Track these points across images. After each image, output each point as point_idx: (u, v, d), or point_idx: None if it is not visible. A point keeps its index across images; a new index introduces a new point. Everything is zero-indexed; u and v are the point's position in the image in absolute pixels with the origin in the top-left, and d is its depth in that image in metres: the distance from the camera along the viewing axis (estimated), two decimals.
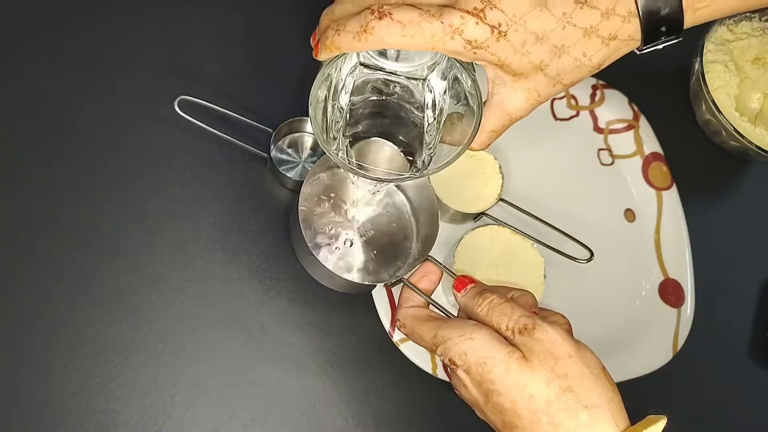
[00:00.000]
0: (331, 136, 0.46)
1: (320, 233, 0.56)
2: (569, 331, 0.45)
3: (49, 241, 0.57)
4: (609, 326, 0.63)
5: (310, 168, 0.60)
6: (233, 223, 0.60)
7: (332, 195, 0.57)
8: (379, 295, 0.58)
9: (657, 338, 0.62)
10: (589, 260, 0.60)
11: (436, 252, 0.62)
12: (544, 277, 0.58)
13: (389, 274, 0.56)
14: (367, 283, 0.55)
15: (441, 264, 0.52)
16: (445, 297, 0.61)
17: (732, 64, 0.68)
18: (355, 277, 0.56)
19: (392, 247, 0.57)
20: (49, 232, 0.57)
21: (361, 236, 0.57)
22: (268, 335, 0.58)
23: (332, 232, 0.56)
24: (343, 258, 0.57)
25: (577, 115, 0.69)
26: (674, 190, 0.67)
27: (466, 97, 0.46)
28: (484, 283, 0.48)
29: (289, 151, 0.61)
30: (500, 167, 0.61)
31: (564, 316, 0.47)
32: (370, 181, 0.49)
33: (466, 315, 0.46)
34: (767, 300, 0.68)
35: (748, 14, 0.68)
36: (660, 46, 0.45)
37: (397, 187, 0.56)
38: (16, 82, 0.60)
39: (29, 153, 0.59)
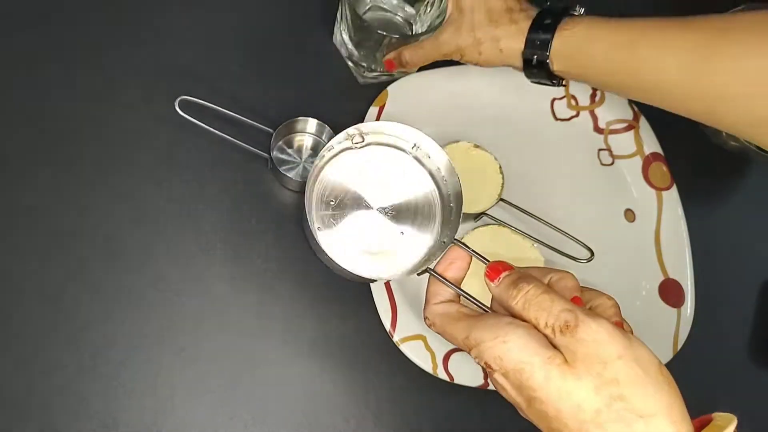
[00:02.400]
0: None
1: (334, 219, 0.50)
2: (617, 314, 0.40)
3: (49, 241, 0.57)
4: None
5: (309, 168, 0.60)
6: (234, 223, 0.60)
7: (341, 184, 0.50)
8: (380, 295, 0.58)
9: (657, 338, 0.62)
10: (589, 260, 0.61)
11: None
12: None
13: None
14: (386, 276, 0.49)
15: (469, 248, 0.46)
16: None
17: None
18: (378, 268, 0.49)
19: (417, 230, 0.50)
20: (49, 232, 0.57)
21: (382, 220, 0.50)
22: (268, 335, 0.58)
23: (347, 217, 0.49)
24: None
25: (577, 115, 0.69)
26: (674, 190, 0.67)
27: None
28: (520, 270, 0.42)
29: (290, 151, 0.61)
30: (500, 167, 0.61)
31: (611, 298, 0.41)
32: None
33: (502, 307, 0.41)
34: (767, 300, 0.68)
35: None
36: (547, 83, 0.57)
37: (419, 161, 0.51)
38: (17, 82, 0.61)
39: (29, 153, 0.59)
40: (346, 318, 0.59)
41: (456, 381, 0.58)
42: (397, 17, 0.66)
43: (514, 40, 0.56)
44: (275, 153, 0.60)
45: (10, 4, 0.62)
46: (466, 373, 0.58)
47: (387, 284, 0.59)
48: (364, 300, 0.59)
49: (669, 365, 0.61)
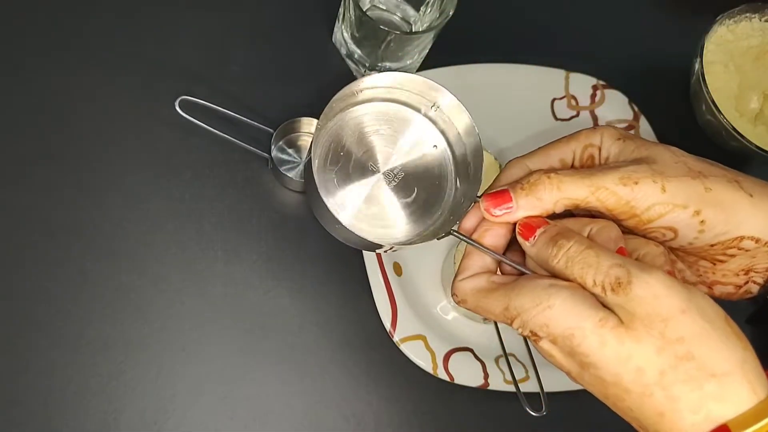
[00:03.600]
0: None
1: (341, 185, 0.45)
2: (668, 261, 0.37)
3: (49, 241, 0.57)
4: None
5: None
6: (234, 223, 0.60)
7: (347, 142, 0.46)
8: (380, 294, 0.58)
9: None
10: None
11: (434, 253, 0.62)
12: None
13: (428, 225, 0.45)
14: (396, 241, 0.44)
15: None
16: (445, 297, 0.61)
17: (732, 64, 0.68)
18: (391, 234, 0.44)
19: (429, 192, 0.46)
20: (50, 232, 0.57)
21: (389, 183, 0.45)
22: (268, 335, 0.58)
23: (353, 181, 0.45)
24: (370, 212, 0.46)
25: (577, 115, 0.69)
26: None
27: None
28: (555, 224, 0.38)
29: (290, 151, 0.61)
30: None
31: (658, 245, 0.37)
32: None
33: (541, 267, 0.37)
34: (766, 300, 0.68)
35: (748, 14, 0.68)
36: None
37: (432, 121, 0.47)
38: (17, 83, 0.61)
39: (30, 153, 0.59)
40: (346, 318, 0.59)
41: (456, 381, 0.58)
42: (395, 17, 0.66)
43: None
44: (275, 153, 0.60)
45: (10, 4, 0.62)
46: (466, 373, 0.58)
47: (387, 284, 0.59)
48: (364, 300, 0.59)
49: None
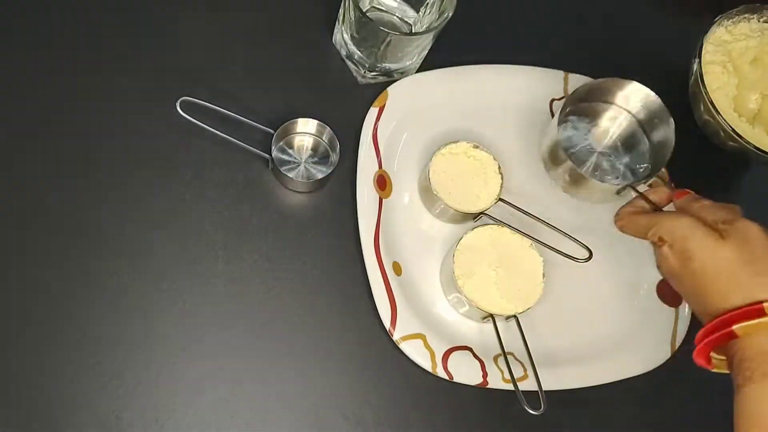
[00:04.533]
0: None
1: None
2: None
3: (51, 241, 0.57)
4: (607, 325, 0.63)
5: (310, 168, 0.61)
6: (235, 223, 0.60)
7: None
8: (379, 294, 0.59)
9: (655, 337, 0.62)
10: (587, 259, 0.61)
11: (434, 252, 0.63)
12: (543, 276, 0.59)
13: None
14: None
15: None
16: (444, 296, 0.61)
17: (730, 65, 0.68)
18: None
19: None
20: (52, 232, 0.58)
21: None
22: (269, 334, 0.58)
23: None
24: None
25: None
26: None
27: None
28: (698, 195, 0.56)
29: (291, 151, 0.61)
30: (500, 167, 0.61)
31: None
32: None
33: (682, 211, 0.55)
34: None
35: (746, 15, 0.68)
36: None
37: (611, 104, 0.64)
38: (18, 83, 0.61)
39: (32, 153, 0.59)
40: (346, 316, 0.60)
41: (455, 379, 0.58)
42: (395, 18, 0.66)
43: None
44: (276, 153, 0.60)
45: (11, 4, 0.63)
46: (465, 372, 0.58)
47: (386, 283, 0.59)
48: (364, 299, 0.59)
49: (667, 364, 0.62)
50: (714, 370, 0.52)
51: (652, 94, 0.62)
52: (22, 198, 0.58)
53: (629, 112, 0.65)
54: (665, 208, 0.58)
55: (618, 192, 0.61)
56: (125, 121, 0.61)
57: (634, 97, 0.63)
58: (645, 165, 0.64)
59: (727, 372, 0.49)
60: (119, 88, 0.62)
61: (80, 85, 0.62)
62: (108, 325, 0.56)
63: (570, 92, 0.62)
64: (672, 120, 0.61)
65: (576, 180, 0.61)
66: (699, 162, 0.71)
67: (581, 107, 0.64)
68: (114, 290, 0.57)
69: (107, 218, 0.59)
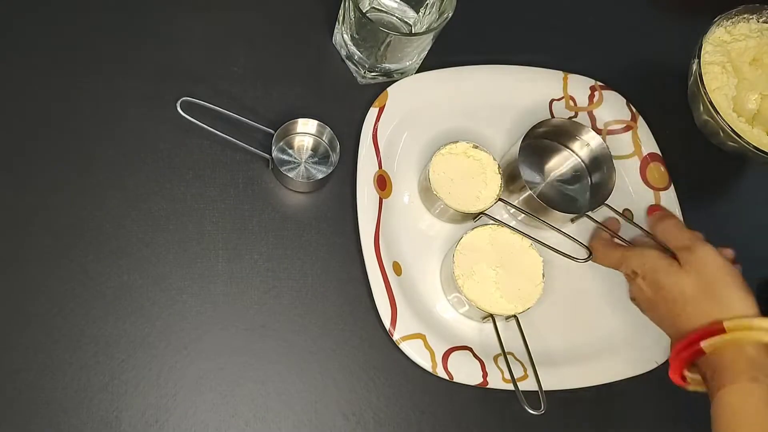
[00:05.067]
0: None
1: None
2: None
3: (52, 241, 0.57)
4: (606, 325, 0.63)
5: (310, 168, 0.61)
6: (235, 223, 0.60)
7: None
8: (380, 294, 0.59)
9: (654, 338, 0.62)
10: (587, 260, 0.61)
11: (434, 252, 0.63)
12: (543, 276, 0.59)
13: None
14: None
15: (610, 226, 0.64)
16: (444, 296, 0.61)
17: (729, 65, 0.68)
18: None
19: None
20: (53, 232, 0.58)
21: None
22: (269, 333, 0.58)
23: None
24: None
25: (575, 116, 0.69)
26: (672, 190, 0.68)
27: None
28: (668, 210, 0.66)
29: (291, 151, 0.61)
30: (500, 167, 0.61)
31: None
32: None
33: (650, 230, 0.63)
34: (764, 299, 0.68)
35: (745, 16, 0.68)
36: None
37: (571, 150, 0.67)
38: (20, 84, 0.61)
39: (33, 153, 0.59)
40: (346, 316, 0.60)
41: (455, 379, 0.58)
42: (395, 18, 0.66)
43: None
44: (276, 153, 0.61)
45: (11, 4, 0.63)
46: (465, 372, 0.58)
47: (386, 283, 0.59)
48: (364, 299, 0.59)
49: (665, 365, 0.62)
50: (690, 389, 0.56)
51: (602, 141, 0.64)
52: (22, 198, 0.58)
53: (577, 155, 0.67)
54: (620, 231, 0.65)
55: (572, 220, 0.64)
56: (125, 122, 0.61)
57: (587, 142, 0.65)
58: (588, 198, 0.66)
59: (703, 390, 0.54)
60: (119, 88, 0.62)
61: (80, 85, 0.62)
62: (108, 324, 0.56)
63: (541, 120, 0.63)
64: (614, 167, 0.63)
65: (535, 208, 0.62)
66: (698, 162, 0.71)
67: (538, 143, 0.66)
68: (114, 290, 0.57)
69: (107, 218, 0.59)
